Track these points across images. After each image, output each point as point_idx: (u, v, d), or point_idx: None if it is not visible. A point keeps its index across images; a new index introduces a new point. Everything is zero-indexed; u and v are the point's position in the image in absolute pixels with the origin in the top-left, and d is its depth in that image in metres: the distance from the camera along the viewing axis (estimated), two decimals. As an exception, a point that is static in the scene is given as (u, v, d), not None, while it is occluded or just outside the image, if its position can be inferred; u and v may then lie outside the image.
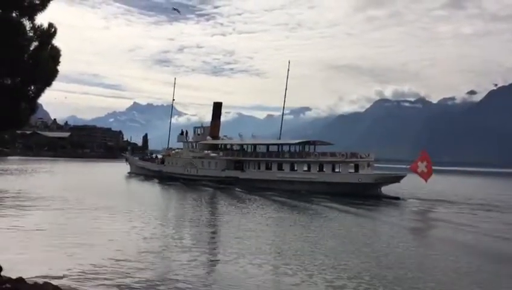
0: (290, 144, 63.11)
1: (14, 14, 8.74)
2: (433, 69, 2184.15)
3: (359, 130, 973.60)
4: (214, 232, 26.78)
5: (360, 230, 28.60)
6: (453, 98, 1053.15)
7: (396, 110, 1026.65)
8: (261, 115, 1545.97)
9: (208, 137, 70.59)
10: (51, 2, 9.00)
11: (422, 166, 48.88)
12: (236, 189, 55.24)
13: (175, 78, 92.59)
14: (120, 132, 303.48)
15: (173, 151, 76.88)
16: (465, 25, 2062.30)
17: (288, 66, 72.24)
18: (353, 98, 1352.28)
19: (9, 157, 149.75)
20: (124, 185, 63.68)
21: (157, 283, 15.53)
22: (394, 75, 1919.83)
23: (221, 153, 65.99)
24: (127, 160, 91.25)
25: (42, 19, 9.09)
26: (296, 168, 57.47)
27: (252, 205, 40.48)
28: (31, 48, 9.13)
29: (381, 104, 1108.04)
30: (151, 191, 55.84)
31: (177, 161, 72.18)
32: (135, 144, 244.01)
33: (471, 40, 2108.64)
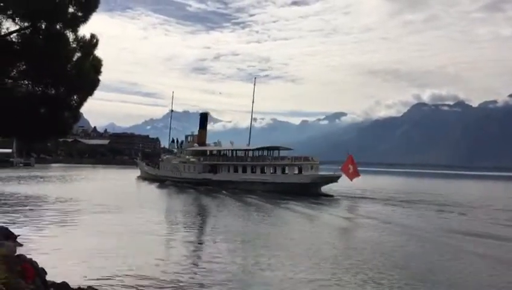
0: (253, 150, 69.78)
1: (58, 27, 9.02)
2: (472, 72, 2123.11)
3: (396, 135, 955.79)
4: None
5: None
6: (494, 101, 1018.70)
7: (435, 114, 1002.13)
8: (296, 120, 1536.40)
9: (195, 144, 77.65)
10: (93, 14, 9.24)
11: (351, 168, 57.28)
12: (208, 187, 62.96)
13: (173, 92, 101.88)
14: (157, 139, 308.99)
15: (165, 157, 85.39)
16: (504, 27, 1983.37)
17: (254, 81, 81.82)
18: (389, 102, 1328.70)
19: (52, 165, 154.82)
20: (126, 188, 67.70)
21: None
22: (432, 78, 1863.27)
23: (201, 158, 73.04)
24: (137, 165, 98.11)
25: (85, 31, 9.37)
26: (256, 171, 64.40)
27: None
28: (74, 59, 9.40)
29: (419, 108, 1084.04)
30: (134, 191, 64.29)
31: (167, 166, 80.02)
32: (172, 151, 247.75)
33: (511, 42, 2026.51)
